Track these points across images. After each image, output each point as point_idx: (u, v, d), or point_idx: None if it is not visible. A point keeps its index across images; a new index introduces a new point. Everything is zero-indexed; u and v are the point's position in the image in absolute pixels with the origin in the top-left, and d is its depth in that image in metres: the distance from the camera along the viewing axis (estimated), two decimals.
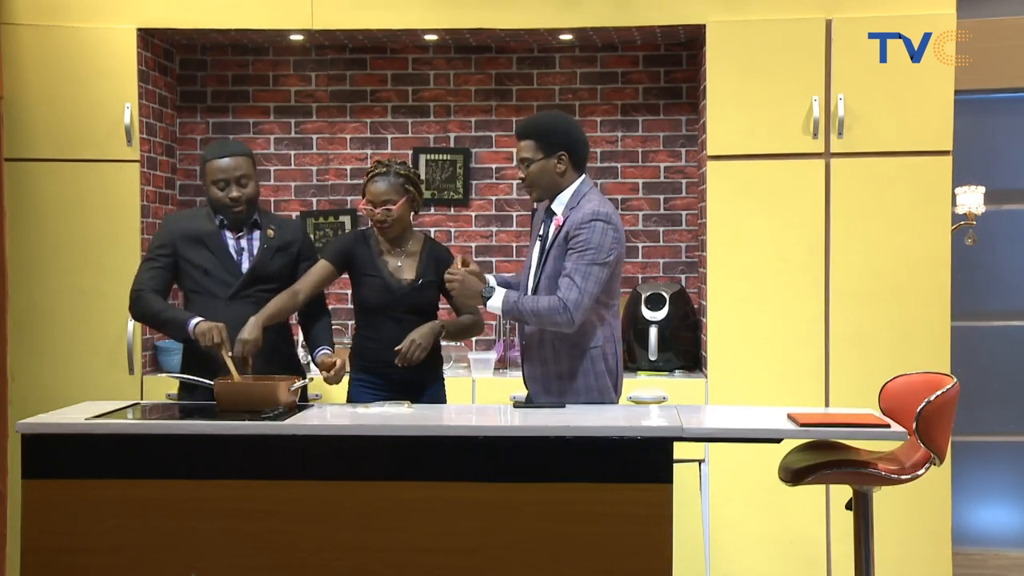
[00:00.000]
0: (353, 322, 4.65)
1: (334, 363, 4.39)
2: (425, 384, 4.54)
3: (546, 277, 4.14)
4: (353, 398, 4.53)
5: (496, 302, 4.09)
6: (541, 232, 4.25)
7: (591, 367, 4.14)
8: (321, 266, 4.50)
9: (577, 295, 4.00)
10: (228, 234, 4.49)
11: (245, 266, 4.47)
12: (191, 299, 4.47)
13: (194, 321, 4.27)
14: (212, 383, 4.10)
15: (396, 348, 4.38)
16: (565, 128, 4.21)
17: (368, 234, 4.57)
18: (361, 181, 5.97)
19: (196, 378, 4.23)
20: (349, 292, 4.78)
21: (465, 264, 4.18)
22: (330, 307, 4.75)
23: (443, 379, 4.67)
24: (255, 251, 4.50)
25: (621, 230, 4.13)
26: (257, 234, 4.53)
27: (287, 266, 4.55)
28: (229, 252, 4.46)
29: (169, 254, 4.44)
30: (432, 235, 5.94)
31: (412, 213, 4.57)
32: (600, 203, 4.13)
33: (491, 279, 4.27)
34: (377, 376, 4.51)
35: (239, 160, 4.45)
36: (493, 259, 5.96)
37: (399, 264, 4.52)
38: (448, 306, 4.67)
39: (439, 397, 4.61)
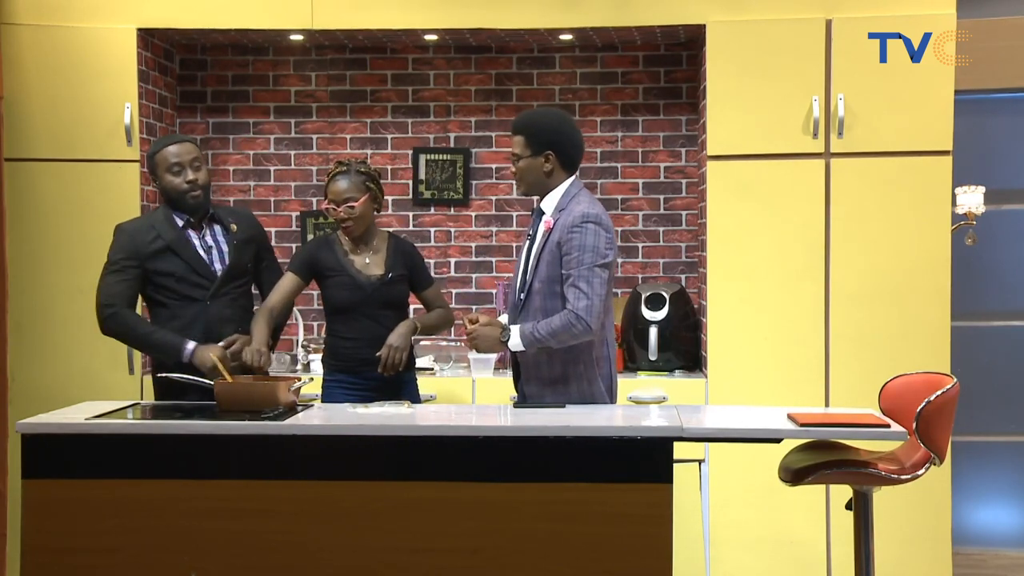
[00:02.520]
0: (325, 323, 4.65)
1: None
2: (402, 381, 4.54)
3: (539, 281, 4.12)
4: (327, 400, 4.51)
5: (515, 340, 4.09)
6: (531, 232, 4.25)
7: (583, 372, 4.13)
8: (288, 279, 4.51)
9: (587, 302, 4.00)
10: (192, 234, 4.45)
11: (216, 265, 4.45)
12: (167, 305, 4.39)
13: (189, 347, 4.26)
14: (211, 383, 4.10)
15: (376, 355, 4.37)
16: (555, 128, 4.20)
17: (332, 238, 4.59)
18: None
19: (195, 378, 4.22)
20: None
21: (473, 321, 4.18)
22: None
23: (415, 374, 4.68)
24: (222, 247, 4.48)
25: (612, 231, 4.13)
26: (219, 229, 4.50)
27: (252, 259, 4.59)
28: (199, 254, 4.42)
29: (135, 265, 4.36)
30: (432, 235, 5.96)
31: (375, 210, 4.58)
32: (589, 204, 4.12)
33: (504, 319, 4.30)
34: (354, 375, 4.50)
35: (188, 146, 4.45)
36: (493, 259, 5.96)
37: (366, 261, 4.53)
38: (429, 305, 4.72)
39: (414, 392, 4.61)
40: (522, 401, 4.23)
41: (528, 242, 4.24)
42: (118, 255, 4.39)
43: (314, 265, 4.53)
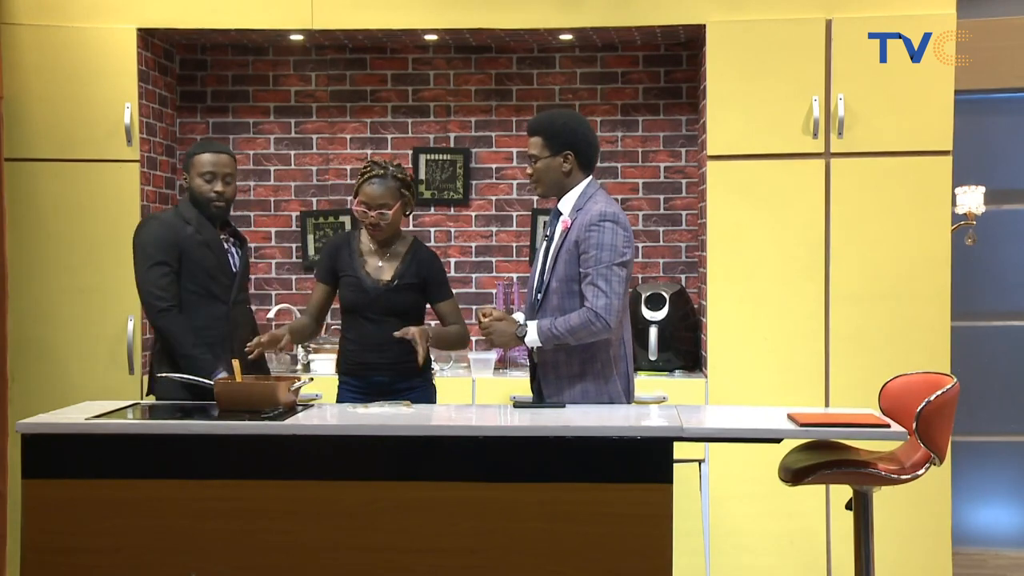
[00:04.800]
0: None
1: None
2: (405, 389, 4.46)
3: (557, 280, 4.13)
4: (340, 401, 4.52)
5: (532, 335, 4.09)
6: (548, 232, 4.25)
7: (601, 370, 4.13)
8: (319, 289, 4.57)
9: (605, 300, 4.01)
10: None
11: (233, 268, 4.56)
12: (191, 301, 4.44)
13: (221, 375, 4.31)
14: (211, 383, 4.10)
15: (396, 334, 4.30)
16: (573, 128, 4.21)
17: (352, 235, 4.57)
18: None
19: (196, 378, 4.23)
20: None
21: (487, 315, 4.19)
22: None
23: (431, 380, 4.61)
24: (235, 253, 4.58)
25: (630, 231, 4.14)
26: (232, 239, 4.60)
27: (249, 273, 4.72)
28: (225, 252, 4.53)
29: (177, 258, 4.43)
30: (432, 235, 5.96)
31: (403, 215, 4.55)
32: (607, 204, 4.13)
33: (519, 316, 4.30)
34: (357, 379, 4.49)
35: (227, 158, 4.54)
36: (493, 259, 5.96)
37: (380, 265, 4.49)
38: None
39: (426, 398, 4.52)
40: (537, 400, 4.23)
41: (546, 243, 4.25)
42: (159, 247, 4.42)
43: (334, 265, 4.53)
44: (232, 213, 4.74)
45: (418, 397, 4.49)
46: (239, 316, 4.54)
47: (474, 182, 5.97)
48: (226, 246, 4.55)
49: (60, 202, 5.35)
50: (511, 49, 5.93)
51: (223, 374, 4.28)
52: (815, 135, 5.16)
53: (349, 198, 5.96)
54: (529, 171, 4.25)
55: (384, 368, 4.44)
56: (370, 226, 4.46)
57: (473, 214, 5.98)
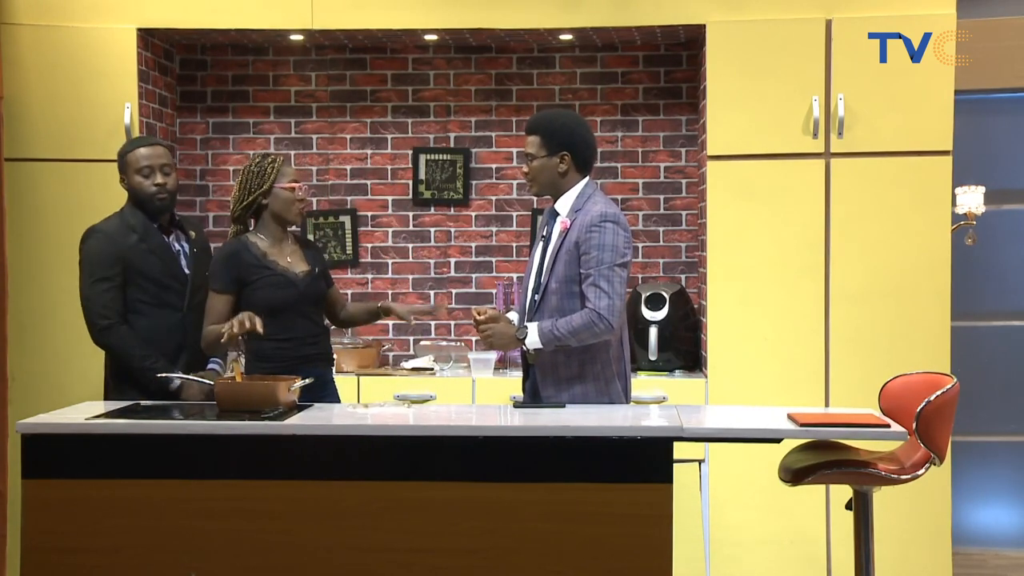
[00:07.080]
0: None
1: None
2: (330, 379, 4.49)
3: (556, 281, 4.11)
4: None
5: (533, 337, 4.07)
6: (544, 233, 4.24)
7: (601, 371, 4.12)
8: (222, 300, 4.29)
9: (608, 300, 4.00)
10: (165, 237, 4.42)
11: (186, 270, 4.42)
12: (144, 313, 4.35)
13: (175, 384, 4.26)
14: (211, 383, 4.10)
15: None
16: (571, 129, 4.20)
17: (243, 240, 4.35)
18: (361, 181, 5.99)
19: (195, 377, 4.23)
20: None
21: (481, 313, 4.16)
22: None
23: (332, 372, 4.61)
24: (186, 253, 4.44)
25: (629, 231, 4.13)
26: (181, 236, 4.46)
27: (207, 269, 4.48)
28: (173, 256, 4.40)
29: (120, 271, 4.31)
30: (432, 235, 5.96)
31: None
32: (606, 204, 4.13)
33: (513, 316, 4.29)
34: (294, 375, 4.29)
35: (159, 149, 4.41)
36: (493, 259, 5.96)
37: (288, 260, 4.38)
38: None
39: (334, 392, 4.50)
40: (531, 400, 4.22)
41: (542, 243, 4.23)
42: (101, 262, 4.34)
43: (239, 272, 4.31)
44: None
45: (332, 389, 4.48)
46: (196, 322, 4.35)
47: (474, 182, 5.97)
48: (176, 247, 4.42)
49: (60, 202, 5.35)
50: (511, 49, 5.93)
51: (177, 382, 4.25)
52: (815, 135, 5.17)
53: (349, 198, 5.96)
54: (525, 169, 4.24)
55: (321, 360, 4.41)
56: (300, 202, 4.37)
57: (473, 214, 5.98)
